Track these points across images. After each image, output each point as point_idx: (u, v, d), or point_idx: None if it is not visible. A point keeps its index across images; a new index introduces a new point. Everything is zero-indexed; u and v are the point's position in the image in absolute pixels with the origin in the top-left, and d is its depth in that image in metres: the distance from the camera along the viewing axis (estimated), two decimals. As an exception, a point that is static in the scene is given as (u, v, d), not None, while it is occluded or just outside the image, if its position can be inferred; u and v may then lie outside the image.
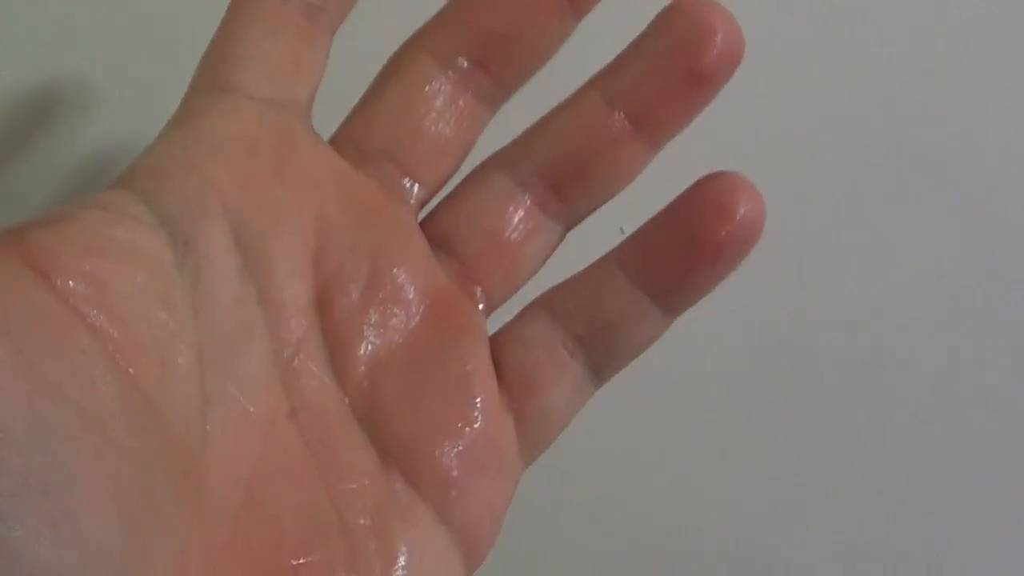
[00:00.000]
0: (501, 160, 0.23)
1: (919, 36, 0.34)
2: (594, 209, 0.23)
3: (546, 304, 0.23)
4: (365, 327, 0.22)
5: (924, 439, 0.36)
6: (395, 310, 0.22)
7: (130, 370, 0.18)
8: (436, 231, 0.23)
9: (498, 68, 0.23)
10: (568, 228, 0.24)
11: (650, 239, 0.22)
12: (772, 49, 0.34)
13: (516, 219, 0.23)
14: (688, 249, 0.22)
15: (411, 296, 0.22)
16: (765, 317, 0.36)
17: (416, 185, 0.23)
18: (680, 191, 0.22)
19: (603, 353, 0.23)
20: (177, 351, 0.19)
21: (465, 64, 0.23)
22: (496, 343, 0.23)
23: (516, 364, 0.23)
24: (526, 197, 0.23)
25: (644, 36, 0.22)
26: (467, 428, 0.22)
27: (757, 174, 0.34)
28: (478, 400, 0.22)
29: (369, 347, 0.22)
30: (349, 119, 0.23)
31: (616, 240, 0.27)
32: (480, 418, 0.22)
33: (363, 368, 0.22)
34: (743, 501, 0.36)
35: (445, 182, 0.23)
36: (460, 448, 0.22)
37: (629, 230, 0.32)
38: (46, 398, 0.17)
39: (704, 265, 0.22)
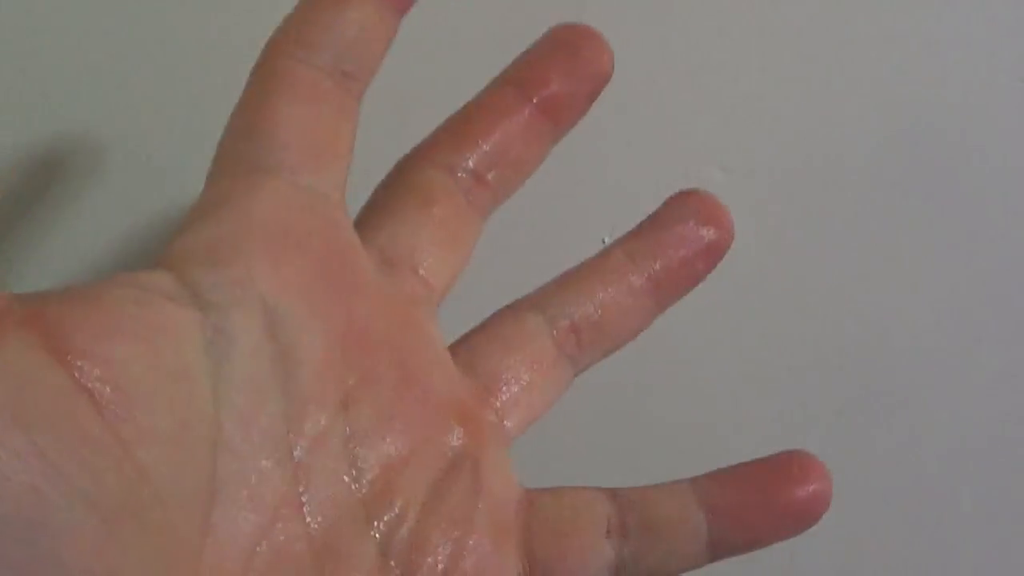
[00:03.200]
0: (533, 301, 0.25)
1: (927, 43, 0.34)
2: (599, 359, 0.25)
3: (611, 493, 0.23)
4: (387, 429, 0.21)
5: (926, 447, 0.36)
6: (419, 415, 0.22)
7: (141, 457, 0.17)
8: (465, 354, 0.24)
9: (494, 179, 0.24)
10: (577, 373, 0.25)
11: (728, 481, 0.23)
12: (777, 56, 0.34)
13: (540, 352, 0.24)
14: (759, 507, 0.23)
15: (436, 403, 0.22)
16: (770, 325, 0.35)
17: (433, 292, 0.24)
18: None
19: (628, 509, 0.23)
20: (192, 437, 0.19)
21: (469, 176, 0.24)
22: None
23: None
24: (551, 334, 0.24)
25: (661, 210, 0.26)
26: (474, 547, 0.22)
27: (760, 183, 0.34)
28: (488, 519, 0.22)
29: (389, 448, 0.21)
30: (371, 226, 0.24)
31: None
32: (485, 543, 0.22)
33: (380, 467, 0.21)
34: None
35: (450, 289, 0.24)
36: (462, 565, 0.21)
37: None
38: (53, 489, 0.16)
39: (770, 521, 0.23)
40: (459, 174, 0.24)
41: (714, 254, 0.25)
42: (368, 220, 0.24)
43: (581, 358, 0.25)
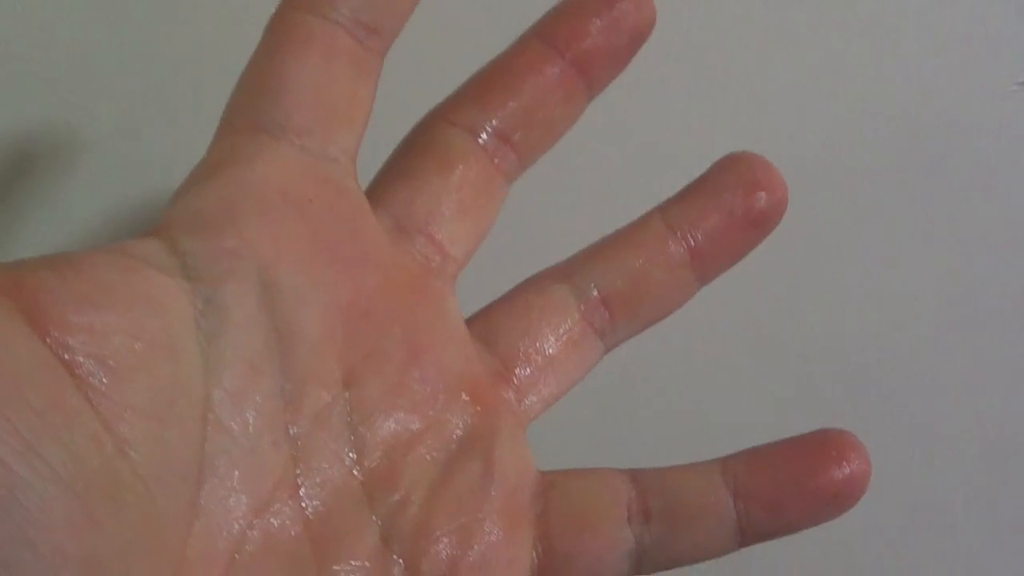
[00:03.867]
0: (560, 271, 0.23)
1: (923, 47, 0.34)
2: (631, 335, 0.23)
3: (632, 475, 0.22)
4: (392, 408, 0.20)
5: (922, 449, 0.36)
6: (428, 393, 0.21)
7: (123, 432, 0.17)
8: (483, 327, 0.23)
9: (521, 141, 0.23)
10: (607, 350, 0.23)
11: (759, 463, 0.22)
12: (773, 56, 0.34)
13: (565, 326, 0.23)
14: (792, 489, 0.21)
15: (447, 380, 0.21)
16: (763, 323, 0.35)
17: (450, 262, 0.22)
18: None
19: (661, 524, 0.22)
20: (179, 413, 0.18)
21: (493, 138, 0.22)
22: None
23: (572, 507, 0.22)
24: (579, 307, 0.23)
25: (707, 175, 0.23)
26: (483, 534, 0.20)
27: None
28: (500, 505, 0.21)
29: (395, 428, 0.20)
30: (386, 191, 0.22)
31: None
32: (496, 531, 0.20)
33: (384, 448, 0.20)
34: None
35: (469, 259, 0.23)
36: (470, 553, 0.20)
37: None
38: (23, 464, 0.15)
39: (805, 504, 0.21)
40: (482, 135, 0.22)
41: (764, 224, 0.23)
42: (383, 184, 0.22)
43: (611, 334, 0.23)
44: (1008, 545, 0.36)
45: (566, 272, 0.23)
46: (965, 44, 0.34)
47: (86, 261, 0.18)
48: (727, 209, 0.23)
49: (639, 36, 0.22)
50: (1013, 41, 0.34)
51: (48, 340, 0.16)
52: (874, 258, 0.35)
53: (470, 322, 0.23)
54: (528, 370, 0.22)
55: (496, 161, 0.22)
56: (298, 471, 0.19)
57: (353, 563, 0.19)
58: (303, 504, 0.19)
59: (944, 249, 0.35)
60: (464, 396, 0.21)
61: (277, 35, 0.20)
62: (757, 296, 0.34)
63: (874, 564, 0.36)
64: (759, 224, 0.23)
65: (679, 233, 0.23)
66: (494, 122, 0.22)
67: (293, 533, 0.19)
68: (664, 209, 0.23)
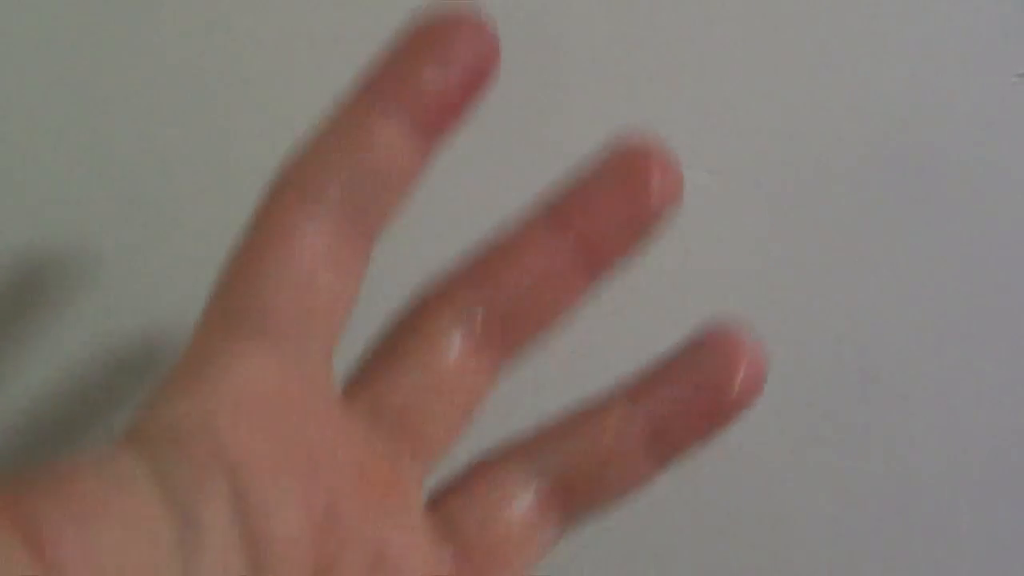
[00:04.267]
0: (518, 452, 0.22)
1: (919, 41, 0.34)
2: (595, 516, 0.22)
3: None
4: None
5: (920, 457, 0.35)
6: None
7: None
8: (440, 516, 0.22)
9: (514, 328, 0.21)
10: (563, 534, 0.22)
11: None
12: (764, 56, 0.33)
13: (522, 512, 0.22)
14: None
15: None
16: (757, 327, 0.32)
17: (423, 462, 0.22)
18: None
19: None
20: None
21: (483, 324, 0.21)
22: None
23: None
24: (536, 492, 0.22)
25: (678, 352, 0.22)
26: None
27: (748, 186, 0.33)
28: None
29: None
30: (366, 374, 0.22)
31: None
32: None
33: None
34: (739, 514, 0.35)
35: (447, 453, 0.22)
36: None
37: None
38: None
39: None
40: (473, 321, 0.21)
41: (735, 410, 0.21)
42: (366, 366, 0.22)
43: (571, 516, 0.22)
44: (1013, 550, 0.35)
45: (523, 454, 0.22)
46: (965, 36, 0.33)
47: (77, 477, 0.18)
48: (695, 394, 0.21)
49: (656, 218, 0.21)
50: (1013, 33, 0.33)
51: (47, 561, 0.16)
52: (875, 256, 0.34)
53: (429, 507, 0.22)
54: (486, 560, 0.22)
55: (485, 350, 0.21)
56: None
57: None
58: None
59: (945, 246, 0.34)
60: None
61: (259, 232, 0.20)
62: (756, 296, 0.34)
63: (875, 566, 0.35)
64: (729, 412, 0.21)
65: (641, 418, 0.22)
66: (486, 308, 0.21)
67: None
68: (629, 388, 0.22)
